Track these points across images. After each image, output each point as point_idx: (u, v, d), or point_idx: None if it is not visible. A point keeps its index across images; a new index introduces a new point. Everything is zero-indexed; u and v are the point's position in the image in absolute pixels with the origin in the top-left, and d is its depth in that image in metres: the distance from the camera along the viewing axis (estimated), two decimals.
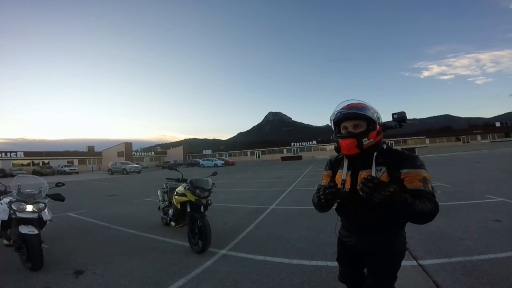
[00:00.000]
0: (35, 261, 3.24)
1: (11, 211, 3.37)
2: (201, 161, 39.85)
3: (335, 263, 2.93)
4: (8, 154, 42.70)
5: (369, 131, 1.33)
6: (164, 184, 5.38)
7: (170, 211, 4.62)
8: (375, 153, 1.34)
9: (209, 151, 70.02)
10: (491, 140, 47.60)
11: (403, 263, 2.91)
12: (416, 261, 3.00)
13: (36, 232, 3.29)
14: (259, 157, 62.01)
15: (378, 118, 1.38)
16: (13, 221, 3.37)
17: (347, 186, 1.39)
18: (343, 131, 1.40)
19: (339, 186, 1.42)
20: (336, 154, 1.56)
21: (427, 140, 53.24)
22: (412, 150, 33.01)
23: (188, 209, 3.90)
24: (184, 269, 3.15)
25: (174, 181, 4.61)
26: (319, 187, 1.59)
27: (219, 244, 3.88)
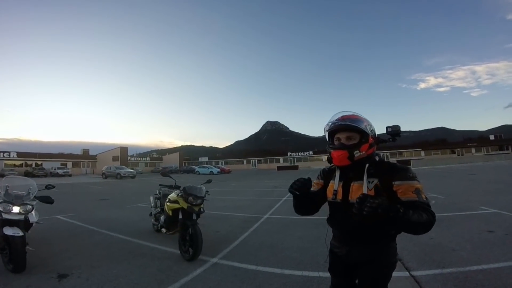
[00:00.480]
0: (17, 263, 3.17)
1: None
2: (196, 168, 39.58)
3: (327, 274, 2.88)
4: (1, 154, 42.03)
5: (362, 143, 1.35)
6: (157, 190, 5.31)
7: (162, 218, 4.55)
8: (367, 165, 1.35)
9: (205, 159, 69.71)
10: (485, 153, 48.19)
11: (396, 274, 2.88)
12: (409, 272, 2.97)
13: (21, 234, 3.23)
14: (255, 166, 61.85)
15: (371, 130, 1.39)
16: None
17: (339, 196, 1.40)
18: (336, 142, 1.41)
19: (330, 196, 1.45)
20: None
21: (423, 153, 53.72)
22: (408, 162, 33.25)
23: (180, 216, 3.84)
24: (173, 276, 3.07)
25: (167, 187, 4.56)
26: None
27: (210, 252, 3.81)
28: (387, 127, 1.48)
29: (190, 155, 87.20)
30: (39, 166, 41.36)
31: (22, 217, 3.39)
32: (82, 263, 3.55)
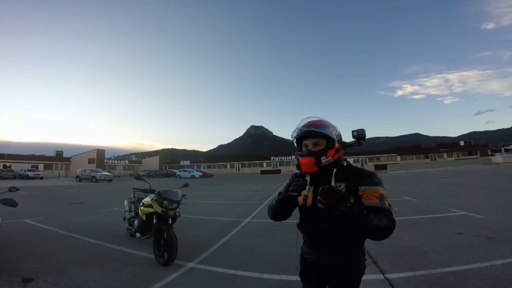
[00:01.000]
0: None
1: None
2: (178, 172, 38.77)
3: None
4: None
5: (328, 149, 1.35)
6: (131, 194, 5.12)
7: (136, 222, 4.38)
8: (335, 170, 1.37)
9: (187, 162, 68.42)
10: (456, 158, 51.12)
11: (371, 277, 2.94)
12: (383, 274, 3.02)
13: None
14: (239, 170, 61.60)
15: (337, 135, 1.40)
16: None
17: (309, 201, 1.40)
18: (304, 149, 1.42)
19: (301, 201, 1.44)
20: None
21: (399, 158, 56.04)
22: (385, 166, 34.52)
23: (155, 221, 3.72)
24: (147, 281, 2.96)
25: (141, 191, 4.40)
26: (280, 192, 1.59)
27: (187, 257, 3.70)
28: (352, 131, 1.49)
29: (171, 159, 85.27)
30: (8, 168, 38.75)
31: None
32: (49, 267, 3.39)
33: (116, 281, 2.96)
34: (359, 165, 1.41)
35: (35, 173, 35.58)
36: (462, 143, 60.38)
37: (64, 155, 53.14)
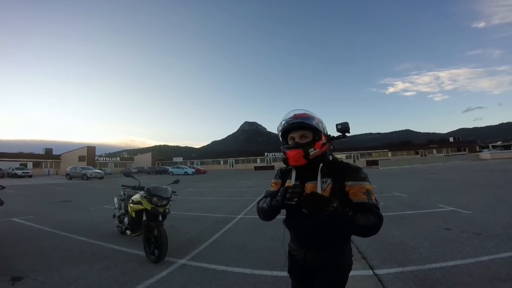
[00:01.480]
0: None
1: None
2: (170, 169, 38.44)
3: None
4: None
5: (315, 141, 1.34)
6: (121, 191, 5.06)
7: (126, 219, 4.34)
8: (321, 165, 1.35)
9: (180, 159, 67.88)
10: (445, 154, 52.24)
11: (360, 272, 2.98)
12: (372, 270, 3.07)
13: None
14: (232, 166, 61.50)
15: (323, 128, 1.39)
16: None
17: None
18: (290, 142, 1.40)
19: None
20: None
21: (390, 153, 56.90)
22: (376, 162, 35.02)
23: (144, 218, 3.69)
24: (137, 278, 2.95)
25: (130, 188, 4.35)
26: (267, 192, 1.57)
27: (178, 254, 3.70)
28: (336, 125, 1.46)
29: (164, 155, 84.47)
30: None
31: None
32: (38, 265, 3.36)
33: (106, 279, 2.94)
34: (351, 161, 1.40)
35: (24, 171, 34.75)
36: (451, 139, 61.69)
37: (54, 152, 52.00)
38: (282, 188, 1.28)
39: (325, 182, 1.31)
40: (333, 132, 1.48)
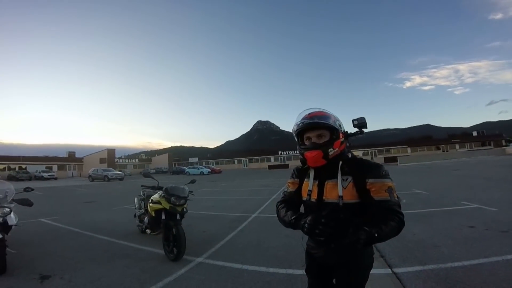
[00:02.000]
0: None
1: None
2: (186, 169, 39.19)
3: None
4: None
5: (333, 140, 1.31)
6: (141, 191, 5.24)
7: (146, 219, 4.48)
8: (340, 162, 1.32)
9: (195, 159, 69.08)
10: (469, 149, 49.81)
11: (378, 271, 2.92)
12: (391, 269, 3.00)
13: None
14: (246, 166, 61.80)
15: (340, 126, 1.36)
16: None
17: (314, 196, 1.36)
18: (306, 142, 1.37)
19: (305, 196, 1.41)
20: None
21: (409, 149, 54.95)
22: (395, 159, 33.97)
23: (163, 217, 3.80)
24: (156, 276, 3.05)
25: (150, 188, 4.49)
26: (285, 193, 1.56)
27: (196, 252, 3.78)
28: (353, 120, 1.42)
29: (180, 156, 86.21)
30: (23, 169, 40.01)
31: (0, 219, 3.36)
32: (64, 264, 3.53)
33: (127, 277, 3.05)
34: (368, 158, 1.37)
35: (50, 174, 36.58)
36: (474, 133, 58.65)
37: (76, 155, 54.46)
38: (310, 218, 1.16)
39: (346, 180, 1.29)
40: (349, 128, 1.46)
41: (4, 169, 41.37)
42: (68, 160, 51.84)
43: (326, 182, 1.33)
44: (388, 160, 35.31)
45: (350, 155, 1.38)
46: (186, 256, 3.54)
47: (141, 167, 58.44)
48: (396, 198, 1.22)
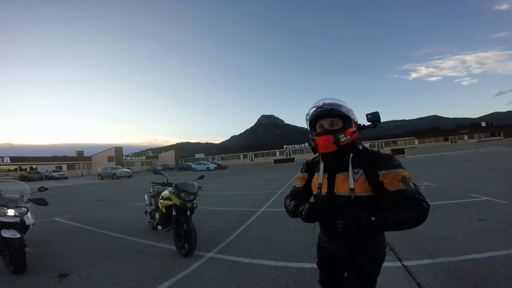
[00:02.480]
0: (18, 264, 3.26)
1: None
2: (193, 165, 39.53)
3: None
4: None
5: (346, 128, 1.31)
6: (151, 188, 5.33)
7: (157, 215, 4.57)
8: (351, 155, 1.31)
9: (201, 155, 69.54)
10: (478, 140, 48.86)
11: (388, 264, 2.94)
12: (401, 262, 3.02)
13: (18, 236, 3.30)
14: (252, 160, 62.00)
15: (353, 116, 1.36)
16: None
17: (324, 190, 1.36)
18: (319, 130, 1.37)
19: (315, 189, 1.41)
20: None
21: (416, 141, 54.22)
22: (402, 150, 33.56)
23: (174, 213, 3.87)
24: (170, 272, 3.12)
25: (159, 185, 4.56)
26: (293, 189, 1.59)
27: (206, 247, 3.86)
28: (367, 115, 1.41)
29: (186, 152, 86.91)
30: (34, 169, 40.96)
31: (18, 219, 3.46)
32: (81, 262, 3.62)
33: (142, 273, 3.13)
34: (375, 150, 1.36)
35: (60, 173, 37.32)
36: (483, 124, 57.40)
37: (84, 154, 55.36)
38: (308, 206, 1.32)
39: (357, 172, 1.28)
40: (362, 122, 1.46)
41: (16, 169, 42.40)
42: (77, 159, 52.76)
43: (337, 175, 1.33)
44: (395, 152, 34.82)
45: (361, 147, 1.37)
46: (197, 252, 3.62)
47: (148, 164, 59.16)
48: (413, 186, 1.19)
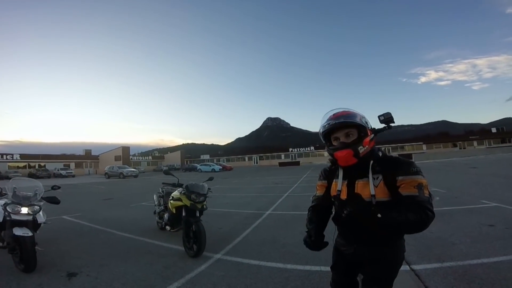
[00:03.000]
0: (28, 263, 3.25)
1: (6, 213, 3.37)
2: (198, 166, 39.75)
3: (328, 268, 2.93)
4: (4, 156, 42.39)
5: (362, 138, 1.31)
6: (160, 189, 5.38)
7: (166, 216, 4.61)
8: (371, 161, 1.31)
9: (207, 156, 69.93)
10: (487, 146, 48.07)
11: None
12: (409, 266, 3.02)
13: (30, 234, 3.30)
14: (257, 163, 62.03)
15: (366, 123, 1.35)
16: (7, 223, 3.37)
17: (343, 196, 1.36)
18: (334, 143, 1.37)
19: (335, 194, 1.42)
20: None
21: (424, 146, 53.57)
22: (409, 156, 33.20)
23: (184, 214, 3.91)
24: (178, 272, 3.15)
25: (170, 185, 4.61)
26: (314, 198, 1.60)
27: (214, 249, 3.89)
28: (379, 116, 1.40)
29: (191, 153, 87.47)
30: (43, 167, 41.76)
31: (30, 217, 3.46)
32: (90, 261, 3.63)
33: (151, 273, 3.16)
34: (394, 156, 1.37)
35: (68, 171, 37.96)
36: (494, 130, 56.48)
37: (92, 153, 56.13)
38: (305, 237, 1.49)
39: (377, 178, 1.28)
40: (374, 124, 1.44)
41: (25, 167, 43.24)
42: (84, 158, 53.58)
43: (356, 182, 1.33)
44: (403, 157, 34.37)
45: (380, 154, 1.37)
46: (205, 253, 3.64)
47: (154, 164, 59.65)
48: (426, 195, 1.18)
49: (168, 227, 4.52)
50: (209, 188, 4.17)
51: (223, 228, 5.21)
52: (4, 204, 3.46)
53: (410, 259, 3.17)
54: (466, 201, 6.37)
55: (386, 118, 1.37)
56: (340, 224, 1.43)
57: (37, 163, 44.94)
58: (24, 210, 3.44)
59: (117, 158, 48.91)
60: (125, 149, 52.63)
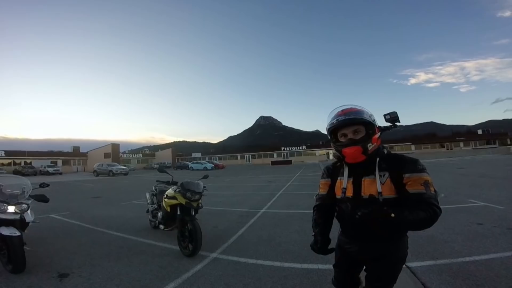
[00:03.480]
0: (16, 263, 3.13)
1: None
2: (190, 164, 39.44)
3: (326, 266, 2.93)
4: None
5: (370, 135, 1.31)
6: (153, 187, 5.28)
7: (159, 214, 4.53)
8: (378, 159, 1.32)
9: (198, 154, 69.41)
10: (473, 147, 49.59)
11: None
12: (405, 263, 3.07)
13: (18, 233, 3.18)
14: (249, 161, 62.04)
15: (374, 120, 1.36)
16: None
17: (349, 193, 1.36)
18: (342, 139, 1.37)
19: (339, 194, 1.41)
20: (328, 161, 1.54)
21: (413, 147, 54.82)
22: None
23: (179, 212, 3.83)
24: (174, 272, 3.09)
25: (164, 183, 4.52)
26: (317, 197, 1.59)
27: (210, 248, 3.84)
28: (384, 115, 1.42)
29: (183, 151, 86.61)
30: (28, 164, 40.44)
31: (18, 216, 3.33)
32: (81, 261, 3.53)
33: (146, 273, 3.08)
34: (399, 153, 1.38)
35: (55, 169, 36.91)
36: (479, 131, 58.23)
37: (81, 150, 54.81)
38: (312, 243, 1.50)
39: (383, 176, 1.29)
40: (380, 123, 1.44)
41: (9, 164, 41.83)
42: (72, 155, 52.26)
43: (363, 179, 1.33)
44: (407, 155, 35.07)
45: (385, 151, 1.38)
46: (201, 252, 3.59)
47: (144, 162, 58.80)
48: (433, 192, 1.22)
49: (162, 226, 4.42)
50: (204, 186, 4.10)
51: (218, 227, 5.17)
52: None
53: None
54: (455, 201, 6.52)
55: (392, 117, 1.39)
56: (345, 223, 1.43)
57: (23, 160, 43.54)
58: (11, 208, 3.30)
59: (106, 156, 47.99)
60: (115, 146, 51.65)
